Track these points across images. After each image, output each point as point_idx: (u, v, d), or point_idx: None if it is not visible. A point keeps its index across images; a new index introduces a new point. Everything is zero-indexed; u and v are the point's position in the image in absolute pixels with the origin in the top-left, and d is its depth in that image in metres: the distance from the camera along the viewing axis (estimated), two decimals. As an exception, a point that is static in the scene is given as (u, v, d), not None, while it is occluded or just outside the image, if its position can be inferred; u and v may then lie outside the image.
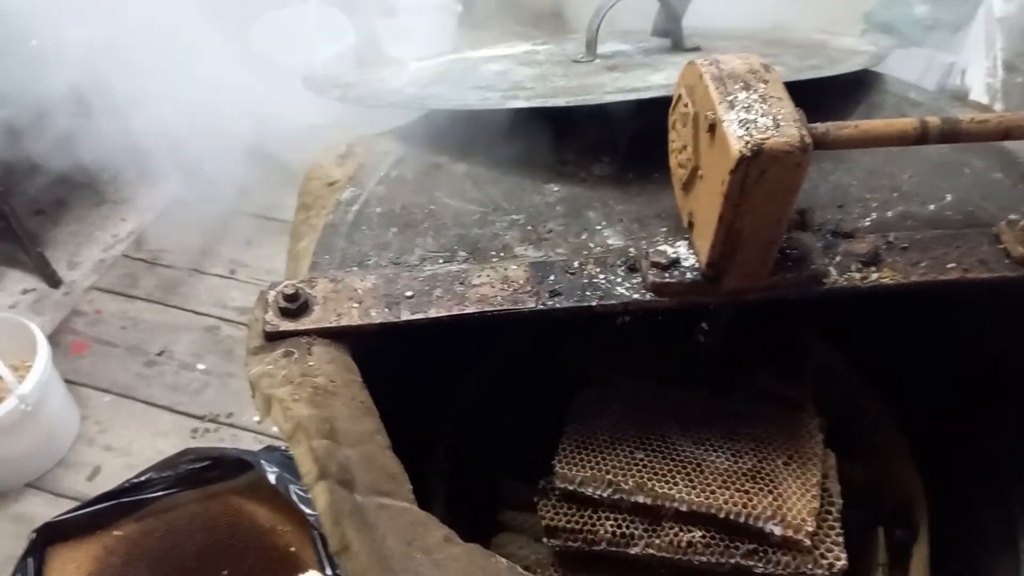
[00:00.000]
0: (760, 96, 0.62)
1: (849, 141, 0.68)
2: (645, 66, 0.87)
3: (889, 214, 0.79)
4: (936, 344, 0.87)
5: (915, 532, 0.87)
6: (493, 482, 0.93)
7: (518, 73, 0.89)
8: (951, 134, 0.69)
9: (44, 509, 1.96)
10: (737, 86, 0.63)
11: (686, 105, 0.68)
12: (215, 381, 2.27)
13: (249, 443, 1.95)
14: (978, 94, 1.63)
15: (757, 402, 0.82)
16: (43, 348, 1.93)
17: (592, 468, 0.77)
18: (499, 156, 0.84)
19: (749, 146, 0.58)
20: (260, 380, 0.64)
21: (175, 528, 1.56)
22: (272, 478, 1.52)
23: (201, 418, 2.21)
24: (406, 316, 0.69)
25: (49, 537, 1.52)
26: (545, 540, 0.77)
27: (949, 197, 0.81)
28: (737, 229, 0.64)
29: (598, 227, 0.78)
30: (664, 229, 0.77)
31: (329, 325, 0.69)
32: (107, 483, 2.04)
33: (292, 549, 1.53)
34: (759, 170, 0.60)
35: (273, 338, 0.69)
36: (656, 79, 0.81)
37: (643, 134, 0.82)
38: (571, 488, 0.76)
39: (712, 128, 0.62)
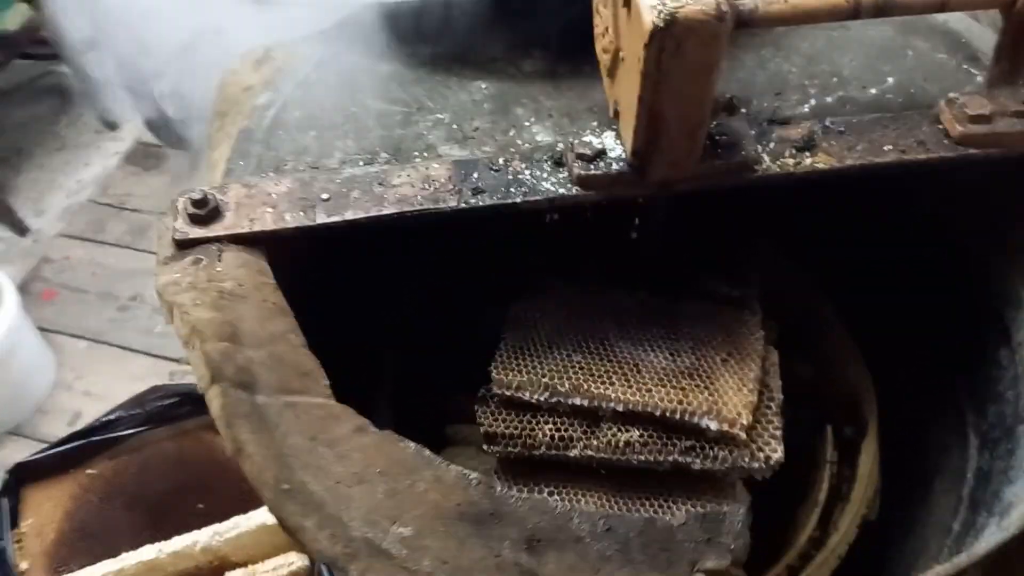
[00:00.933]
0: (676, -36, 0.58)
1: (779, 18, 0.64)
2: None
3: (828, 100, 0.76)
4: (881, 237, 0.85)
5: (863, 429, 0.86)
6: (442, 398, 0.91)
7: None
8: (885, 6, 0.65)
9: (26, 455, 1.96)
10: (652, -42, 0.59)
11: (605, -17, 0.64)
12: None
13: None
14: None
15: (699, 302, 0.80)
16: (11, 297, 1.91)
17: (529, 372, 0.75)
18: (424, 55, 0.81)
19: (662, 16, 0.55)
20: (166, 288, 0.62)
21: (149, 465, 1.56)
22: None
23: (178, 360, 2.20)
24: (322, 219, 0.67)
25: (23, 477, 1.52)
26: (485, 447, 0.76)
27: (891, 80, 0.77)
28: (658, 111, 0.61)
29: (527, 123, 0.75)
30: (595, 123, 0.74)
31: (241, 231, 0.66)
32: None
33: (264, 481, 1.52)
34: (675, 43, 0.56)
35: (184, 246, 0.66)
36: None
37: (574, 25, 0.79)
38: (508, 393, 0.75)
39: (627, 2, 0.59)
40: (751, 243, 0.88)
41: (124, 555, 1.30)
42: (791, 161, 0.69)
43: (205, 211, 0.66)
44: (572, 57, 0.79)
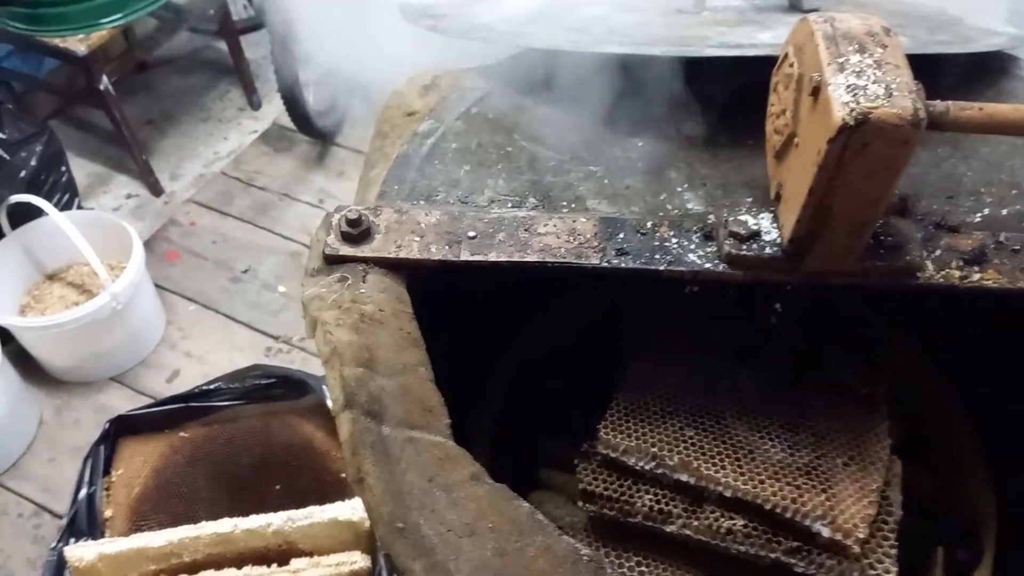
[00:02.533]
0: (875, 61, 0.56)
1: (970, 124, 0.61)
2: (755, 23, 0.81)
3: (1004, 212, 0.72)
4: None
5: (979, 555, 0.80)
6: (538, 439, 0.91)
7: (618, 19, 0.84)
8: (1089, 127, 0.61)
9: (125, 403, 2.07)
10: (851, 48, 0.57)
11: (791, 65, 0.62)
12: (293, 304, 2.33)
13: (317, 368, 1.99)
14: None
15: (825, 395, 0.77)
16: (138, 252, 2.02)
17: (638, 438, 0.74)
18: (585, 104, 0.81)
19: (854, 113, 0.53)
20: (311, 302, 0.64)
21: (236, 437, 1.62)
22: (331, 404, 1.54)
23: (276, 338, 2.28)
24: (465, 256, 0.67)
25: (121, 429, 1.60)
26: (580, 504, 0.75)
27: (1076, 200, 0.73)
28: (828, 205, 0.59)
29: (679, 189, 0.74)
30: (749, 199, 0.72)
31: (387, 255, 0.67)
32: (184, 387, 2.14)
33: (343, 475, 1.56)
34: (862, 142, 0.54)
35: (332, 261, 0.68)
36: (764, 37, 0.75)
37: (742, 96, 0.77)
38: (613, 455, 0.74)
39: (816, 91, 0.57)
40: (887, 338, 0.84)
41: (203, 523, 1.35)
42: (957, 273, 0.65)
43: (358, 231, 0.68)
44: (734, 127, 0.78)
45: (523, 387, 0.91)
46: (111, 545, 1.31)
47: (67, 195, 2.32)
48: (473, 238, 0.68)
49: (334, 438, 1.60)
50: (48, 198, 2.21)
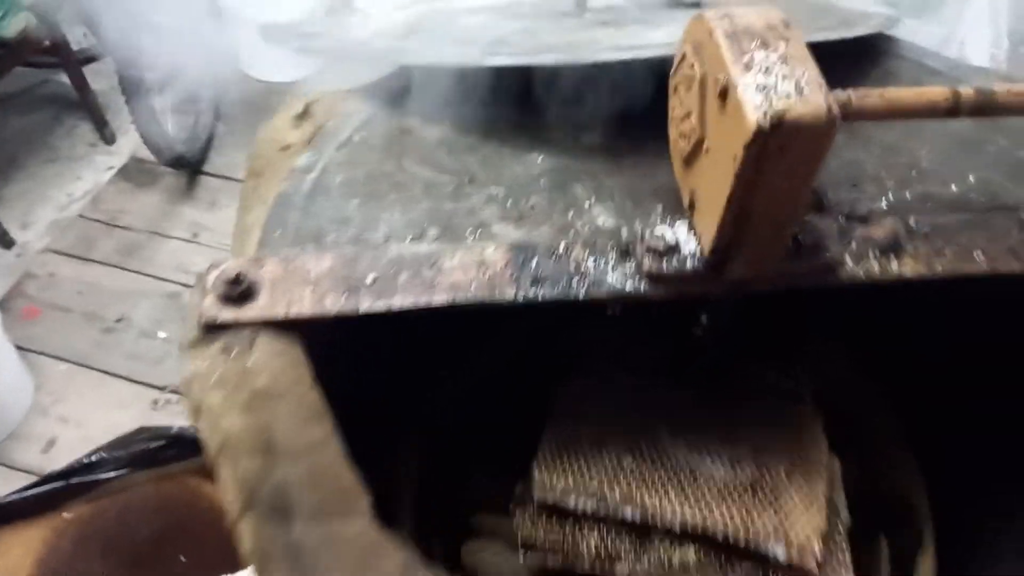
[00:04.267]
0: (780, 57, 0.53)
1: (873, 112, 0.59)
2: (642, 22, 0.78)
3: (907, 195, 0.71)
4: (934, 331, 0.80)
5: (919, 538, 0.80)
6: (466, 476, 0.85)
7: (501, 27, 0.79)
8: (986, 106, 0.60)
9: (-1, 480, 1.87)
10: (753, 44, 0.54)
11: (692, 66, 0.59)
12: (176, 350, 2.17)
13: (210, 418, 1.85)
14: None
15: (757, 401, 0.74)
16: (-12, 315, 1.82)
17: (575, 475, 0.69)
18: (477, 120, 0.75)
19: (768, 116, 0.50)
20: (191, 384, 0.55)
21: (129, 510, 1.48)
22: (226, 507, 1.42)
23: (162, 388, 2.13)
24: (366, 305, 0.60)
25: (-14, 523, 1.42)
26: (521, 554, 0.70)
27: (972, 177, 0.73)
28: (748, 210, 0.56)
29: (586, 204, 0.69)
30: (661, 206, 0.69)
31: (277, 315, 0.60)
32: (63, 456, 1.95)
33: (253, 532, 1.44)
34: (778, 144, 0.51)
35: (212, 329, 0.59)
36: (656, 36, 0.72)
37: (637, 99, 0.73)
38: (551, 499, 0.69)
39: (724, 93, 0.54)
40: (805, 334, 0.83)
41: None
42: (876, 265, 0.64)
43: (238, 291, 0.60)
44: (635, 133, 0.74)
45: (450, 424, 0.84)
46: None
47: (-100, 261, 2.08)
48: (373, 283, 0.62)
49: (239, 493, 1.48)
50: None
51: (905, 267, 0.64)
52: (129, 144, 2.68)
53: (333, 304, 0.60)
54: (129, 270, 2.38)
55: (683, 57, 0.61)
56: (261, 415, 0.53)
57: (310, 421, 0.54)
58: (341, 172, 0.71)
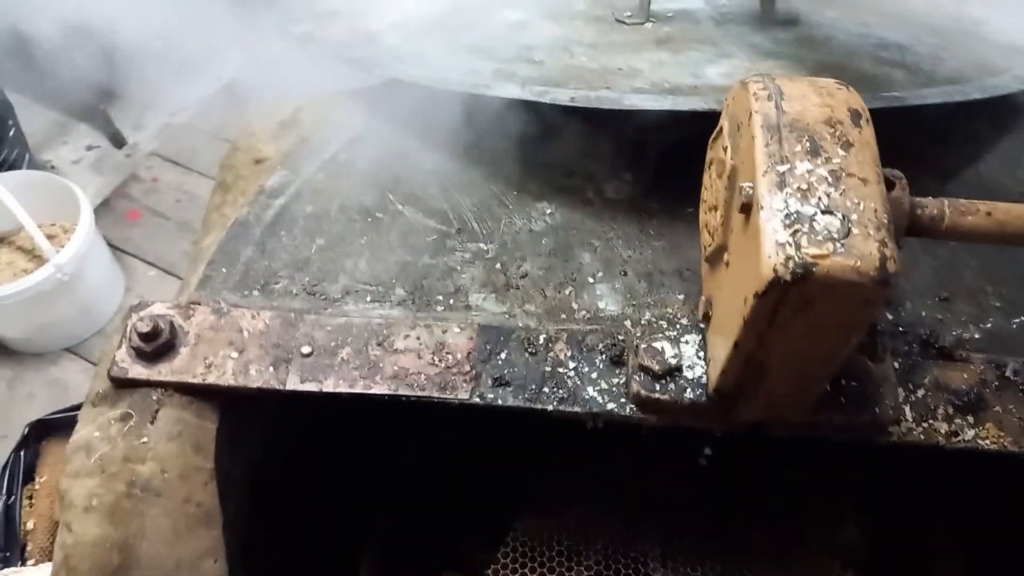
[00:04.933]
0: (831, 173, 0.38)
1: (973, 233, 0.43)
2: (708, 44, 0.62)
3: (1014, 324, 0.54)
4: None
5: None
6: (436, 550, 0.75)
7: (536, 31, 0.65)
8: None
9: (80, 376, 1.95)
10: (799, 147, 0.39)
11: (725, 148, 0.44)
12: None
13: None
14: None
15: (771, 534, 0.61)
16: (87, 218, 1.86)
17: (535, 589, 0.59)
18: (483, 151, 0.62)
19: (791, 265, 0.36)
20: (73, 457, 0.48)
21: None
22: None
23: (240, 309, 2.14)
24: (293, 384, 0.51)
25: (44, 432, 1.47)
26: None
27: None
28: (760, 362, 0.42)
29: (591, 279, 0.56)
30: (681, 296, 0.55)
31: (191, 380, 0.51)
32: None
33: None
34: (803, 299, 0.37)
35: (121, 385, 0.52)
36: (711, 73, 0.56)
37: (680, 150, 0.59)
38: (504, 608, 0.59)
39: (746, 209, 0.39)
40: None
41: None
42: (944, 427, 0.48)
43: (153, 346, 0.52)
44: (670, 191, 0.60)
45: (409, 500, 0.74)
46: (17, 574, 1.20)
47: (15, 151, 2.15)
48: (308, 355, 0.52)
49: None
50: (-6, 155, 2.05)
51: (985, 435, 0.48)
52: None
53: (257, 376, 0.51)
54: (224, 186, 2.39)
55: (719, 131, 0.46)
56: (127, 525, 0.45)
57: (190, 530, 0.46)
58: (313, 201, 0.60)
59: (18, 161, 2.16)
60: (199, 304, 0.54)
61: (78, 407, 1.44)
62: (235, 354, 0.52)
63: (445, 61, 0.61)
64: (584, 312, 0.55)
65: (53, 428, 1.47)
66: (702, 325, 0.50)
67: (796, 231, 0.36)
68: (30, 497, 1.43)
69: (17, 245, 2.14)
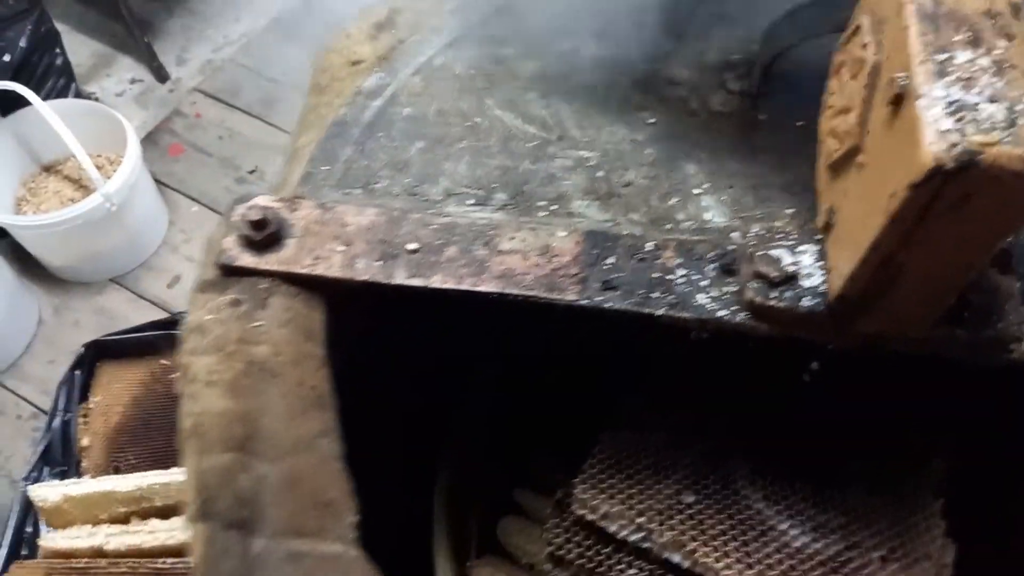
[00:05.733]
0: (995, 63, 0.36)
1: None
2: None
3: None
4: None
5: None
6: (516, 456, 0.76)
7: None
8: None
9: (125, 307, 1.99)
10: (959, 36, 0.37)
11: (864, 47, 0.43)
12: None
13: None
14: None
15: (862, 458, 0.60)
16: (134, 149, 1.87)
17: (622, 500, 0.59)
18: (584, 59, 0.61)
19: (956, 151, 0.34)
20: (188, 337, 0.48)
21: (223, 367, 1.51)
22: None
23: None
24: (400, 279, 0.51)
25: (99, 353, 1.50)
26: (547, 568, 0.62)
27: None
28: (898, 264, 0.41)
29: (696, 190, 0.55)
30: (790, 211, 0.54)
31: (299, 270, 0.51)
32: (185, 293, 2.03)
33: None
34: (961, 192, 0.36)
35: (229, 273, 0.52)
36: None
37: (797, 61, 0.57)
38: (591, 518, 0.59)
39: (898, 100, 0.38)
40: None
41: (173, 469, 1.26)
42: (1069, 347, 0.47)
43: (262, 235, 0.52)
44: (781, 102, 0.58)
45: (493, 400, 0.75)
46: (77, 487, 1.24)
47: (62, 80, 2.16)
48: (414, 252, 0.52)
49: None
50: (40, 84, 2.04)
51: (1110, 355, 0.47)
52: (284, -7, 2.64)
53: (364, 270, 0.51)
54: (269, 123, 2.38)
55: (855, 30, 0.44)
56: (248, 398, 0.45)
57: (306, 410, 0.46)
58: (411, 104, 0.60)
59: (64, 91, 2.18)
60: (303, 199, 0.54)
61: (133, 330, 1.46)
62: (341, 248, 0.52)
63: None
64: (690, 223, 0.54)
65: (108, 350, 1.50)
66: (818, 237, 0.49)
67: (961, 118, 0.35)
68: (84, 416, 1.46)
69: (64, 175, 2.16)
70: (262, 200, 0.53)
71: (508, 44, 0.62)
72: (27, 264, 1.98)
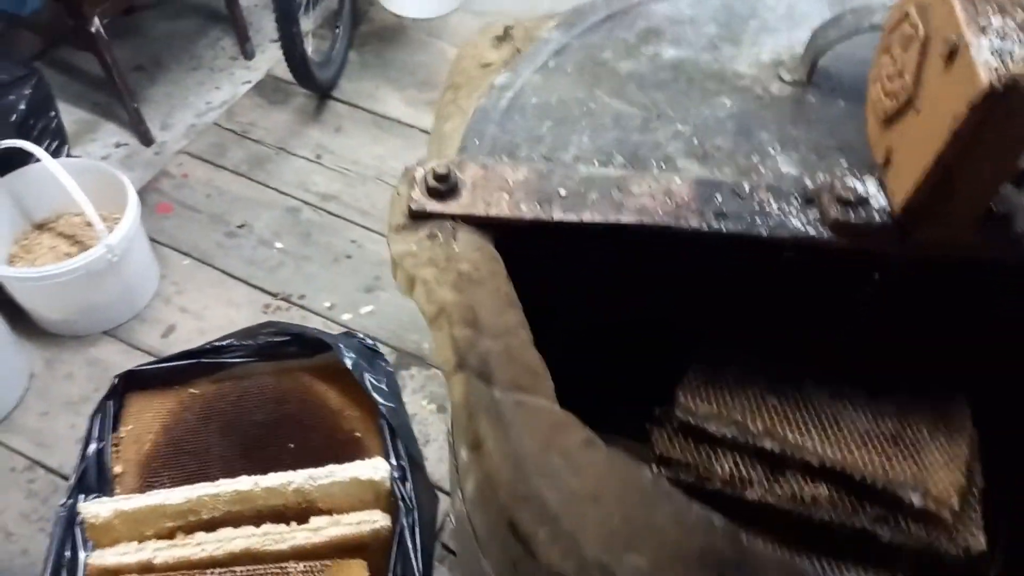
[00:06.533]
0: (1019, 24, 0.54)
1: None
2: None
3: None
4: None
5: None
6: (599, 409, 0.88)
7: None
8: None
9: (119, 358, 2.01)
10: (990, 8, 0.55)
11: (914, 27, 0.60)
12: (290, 261, 2.28)
13: (318, 327, 1.95)
14: None
15: (904, 371, 0.76)
16: (133, 202, 1.95)
17: (718, 403, 0.72)
18: (667, 61, 0.77)
19: (1002, 77, 0.51)
20: (404, 258, 0.60)
21: (248, 395, 1.58)
22: (348, 363, 1.51)
23: (274, 295, 2.23)
24: (558, 215, 0.64)
25: (129, 384, 1.55)
26: (655, 468, 0.74)
27: None
28: (951, 175, 0.57)
29: (771, 151, 0.71)
30: (845, 163, 0.70)
31: (477, 213, 0.64)
32: (180, 343, 2.08)
33: (358, 435, 1.54)
34: (1006, 110, 0.52)
35: (418, 217, 0.65)
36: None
37: (834, 58, 0.75)
38: (693, 422, 0.72)
39: (952, 54, 0.55)
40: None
41: (221, 481, 1.32)
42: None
43: (445, 186, 0.65)
44: (824, 88, 0.75)
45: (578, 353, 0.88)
46: (128, 502, 1.28)
47: (56, 142, 2.23)
48: (564, 197, 0.66)
49: (347, 398, 1.57)
50: (37, 144, 2.12)
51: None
52: (267, 61, 2.78)
53: (528, 211, 0.65)
54: (255, 181, 2.48)
55: (904, 16, 0.62)
56: (467, 295, 0.58)
57: (505, 308, 0.59)
58: (536, 94, 0.75)
59: (58, 152, 2.25)
60: (466, 162, 0.68)
61: (163, 360, 1.52)
62: (506, 196, 0.65)
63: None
64: (770, 174, 0.70)
65: (138, 381, 1.55)
66: (877, 172, 0.65)
67: (1002, 58, 0.52)
68: (116, 445, 1.50)
69: (58, 231, 2.22)
70: (440, 162, 0.66)
71: (606, 50, 0.78)
72: (17, 319, 2.00)
